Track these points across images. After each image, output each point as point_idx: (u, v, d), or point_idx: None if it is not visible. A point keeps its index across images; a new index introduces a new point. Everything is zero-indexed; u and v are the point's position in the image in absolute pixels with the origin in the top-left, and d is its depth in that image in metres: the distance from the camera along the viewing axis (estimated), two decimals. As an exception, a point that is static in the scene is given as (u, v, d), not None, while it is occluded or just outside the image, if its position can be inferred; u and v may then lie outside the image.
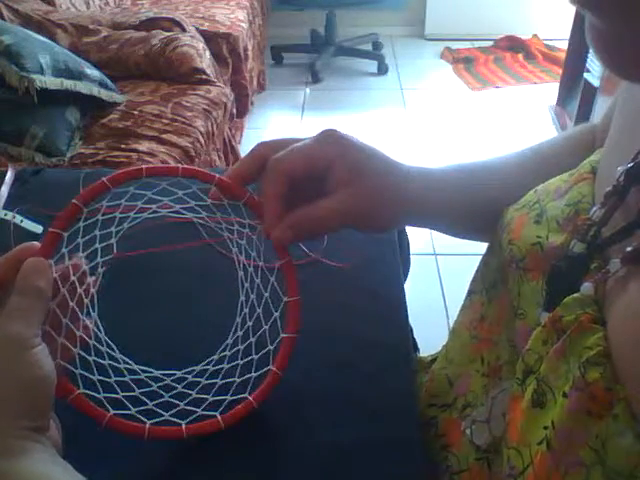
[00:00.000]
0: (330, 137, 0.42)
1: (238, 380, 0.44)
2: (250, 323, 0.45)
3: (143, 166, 0.40)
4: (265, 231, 0.42)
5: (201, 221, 0.49)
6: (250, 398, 0.43)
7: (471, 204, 0.47)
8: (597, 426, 0.28)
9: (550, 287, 0.36)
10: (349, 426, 0.46)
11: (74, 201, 0.39)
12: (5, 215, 0.65)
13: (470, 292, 0.50)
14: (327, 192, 0.42)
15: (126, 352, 0.43)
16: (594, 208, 0.36)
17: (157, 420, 0.41)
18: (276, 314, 0.44)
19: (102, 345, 0.41)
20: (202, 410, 0.43)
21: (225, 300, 0.47)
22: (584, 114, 2.11)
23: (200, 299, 0.57)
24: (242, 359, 0.45)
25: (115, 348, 0.42)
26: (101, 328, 0.41)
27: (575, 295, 0.33)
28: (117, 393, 0.41)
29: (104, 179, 0.39)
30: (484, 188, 0.48)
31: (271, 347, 0.44)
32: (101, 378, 0.41)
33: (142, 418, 0.41)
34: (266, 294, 0.45)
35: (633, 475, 0.27)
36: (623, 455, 0.27)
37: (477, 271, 0.49)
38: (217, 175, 0.42)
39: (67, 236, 0.38)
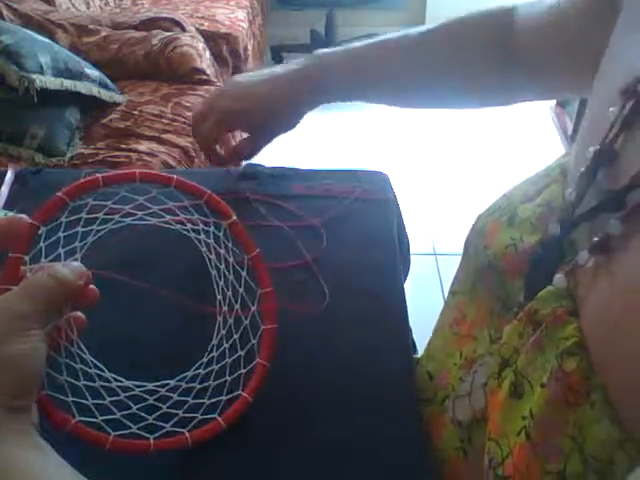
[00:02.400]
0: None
1: (229, 379, 0.44)
2: (231, 320, 0.46)
3: (99, 175, 0.39)
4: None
5: (166, 225, 0.46)
6: (244, 394, 0.44)
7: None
8: (575, 414, 0.29)
9: (528, 277, 0.37)
10: (349, 426, 0.45)
11: (31, 220, 0.36)
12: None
13: (452, 292, 0.51)
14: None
15: (113, 368, 0.41)
16: (569, 190, 0.36)
17: (159, 433, 0.41)
18: (253, 308, 0.45)
19: (90, 367, 0.40)
20: (201, 415, 0.43)
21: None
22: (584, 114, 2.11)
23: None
24: (229, 357, 0.45)
25: (104, 368, 0.41)
26: (85, 350, 0.39)
27: (549, 288, 0.34)
28: (114, 414, 0.40)
29: (59, 193, 0.37)
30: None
31: (254, 341, 0.44)
32: (95, 402, 0.39)
33: (144, 434, 0.40)
34: (240, 289, 0.45)
35: (611, 461, 0.27)
36: (600, 441, 0.28)
37: (457, 273, 0.51)
38: (175, 177, 0.42)
39: (30, 257, 0.36)
